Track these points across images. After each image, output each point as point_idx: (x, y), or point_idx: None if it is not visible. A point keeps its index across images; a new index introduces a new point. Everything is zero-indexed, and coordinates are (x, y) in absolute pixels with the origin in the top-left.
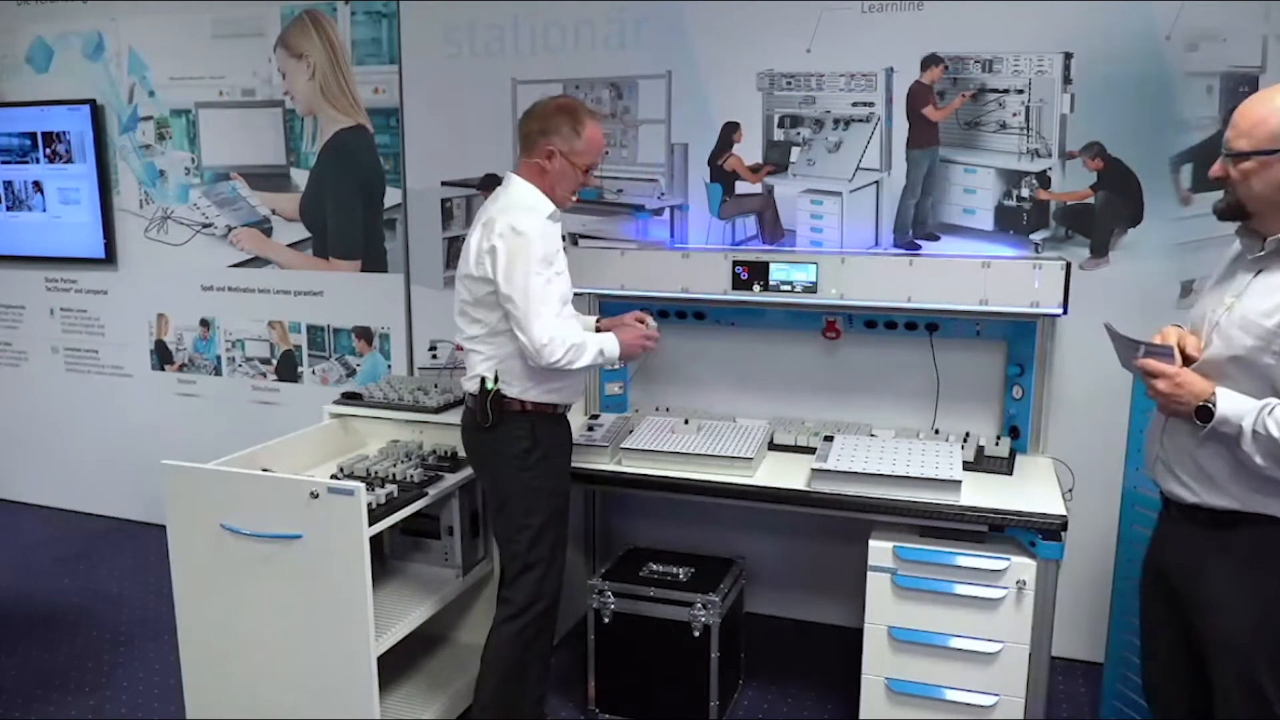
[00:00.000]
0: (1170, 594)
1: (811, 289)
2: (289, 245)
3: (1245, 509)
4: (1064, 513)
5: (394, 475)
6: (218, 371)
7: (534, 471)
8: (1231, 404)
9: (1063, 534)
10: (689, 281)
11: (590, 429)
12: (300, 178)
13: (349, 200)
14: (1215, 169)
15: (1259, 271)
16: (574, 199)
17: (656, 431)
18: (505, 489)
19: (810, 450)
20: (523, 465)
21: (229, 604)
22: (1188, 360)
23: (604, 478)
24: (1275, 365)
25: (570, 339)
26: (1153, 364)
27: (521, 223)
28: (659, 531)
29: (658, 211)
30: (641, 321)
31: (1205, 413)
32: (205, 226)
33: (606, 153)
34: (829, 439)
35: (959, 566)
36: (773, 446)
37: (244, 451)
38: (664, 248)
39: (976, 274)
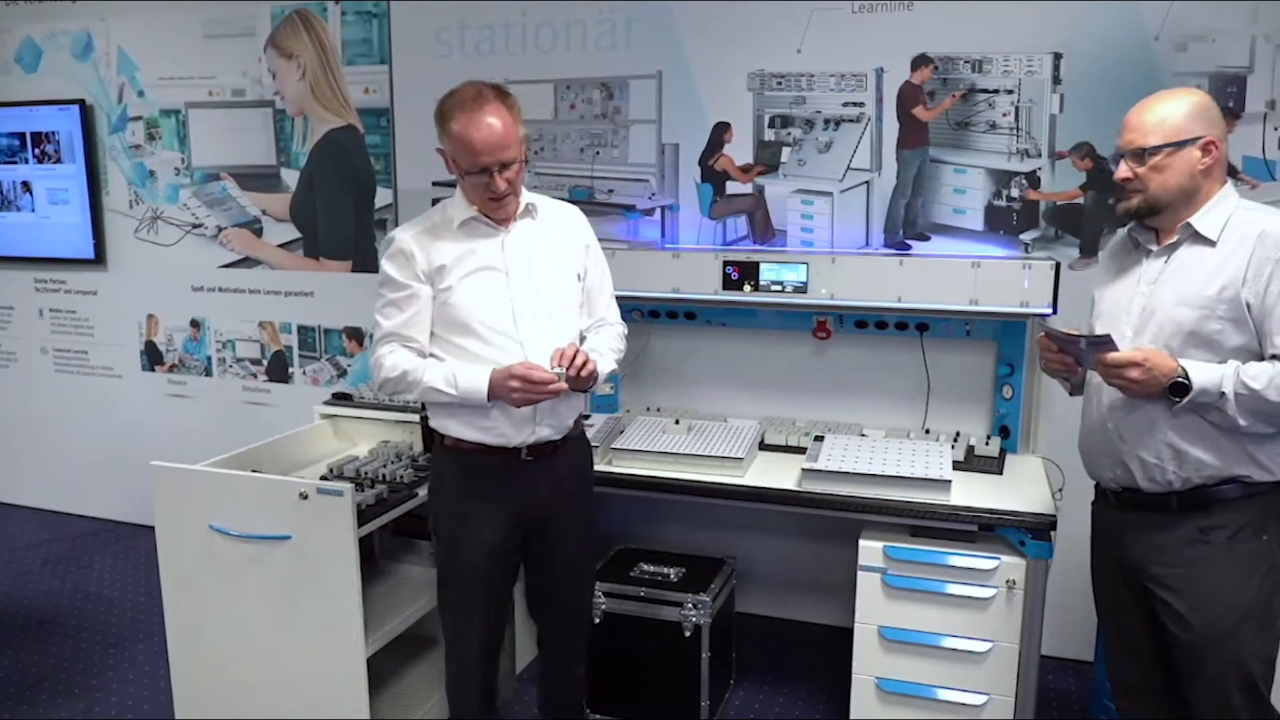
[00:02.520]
0: (1138, 588)
1: (802, 289)
2: (279, 245)
3: (1226, 475)
4: (1053, 512)
5: (384, 476)
6: (208, 372)
7: (435, 512)
8: (1203, 373)
9: (1052, 533)
10: (680, 282)
11: None
12: (290, 178)
13: (340, 200)
14: (1121, 172)
15: (1168, 258)
16: (493, 206)
17: (647, 432)
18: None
19: (801, 450)
20: (431, 497)
21: (218, 605)
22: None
23: (596, 478)
24: (1222, 329)
25: (389, 370)
26: (1120, 356)
27: (390, 237)
28: (650, 532)
29: (649, 212)
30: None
31: (1180, 388)
32: (195, 227)
33: (522, 160)
34: (819, 439)
35: (949, 566)
36: (763, 446)
37: (233, 452)
38: (655, 248)
39: (966, 274)
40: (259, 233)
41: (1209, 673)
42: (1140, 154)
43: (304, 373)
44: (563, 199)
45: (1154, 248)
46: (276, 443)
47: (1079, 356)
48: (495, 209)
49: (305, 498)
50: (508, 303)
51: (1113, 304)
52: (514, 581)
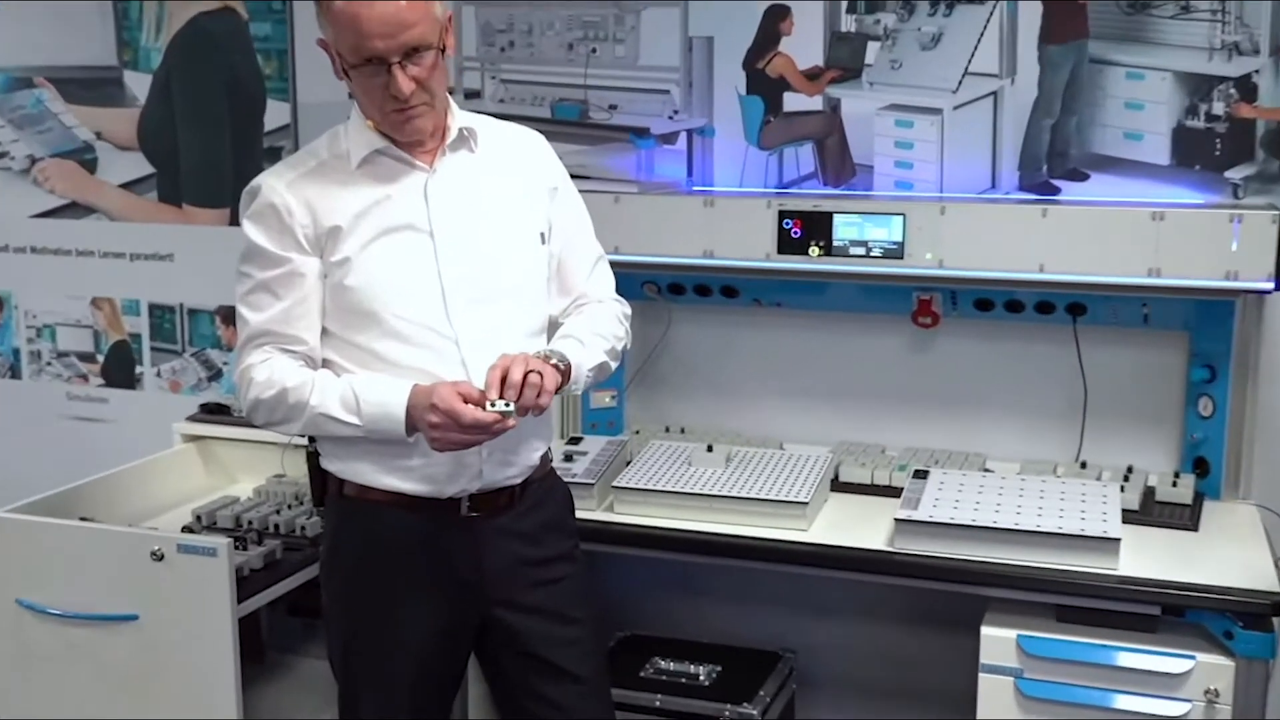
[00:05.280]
0: None
1: (896, 253)
2: (122, 186)
3: None
4: (1278, 588)
5: (277, 527)
6: (15, 372)
7: (329, 589)
8: None
9: (1276, 620)
10: (714, 241)
11: (569, 459)
12: (139, 85)
13: (211, 119)
14: None
15: None
16: (398, 120)
17: (666, 463)
18: None
19: (894, 492)
20: (324, 574)
21: (28, 715)
22: None
23: (589, 530)
24: None
25: (261, 387)
26: None
27: (254, 186)
28: (668, 611)
29: (669, 138)
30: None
31: None
32: None
33: (440, 50)
34: (921, 475)
35: (1118, 668)
36: (837, 486)
37: (54, 491)
38: (678, 191)
39: (1144, 230)
40: (91, 166)
41: None
42: None
43: (158, 373)
44: (540, 121)
45: None
46: (118, 476)
47: None
48: (401, 124)
49: (160, 558)
50: (434, 280)
51: None
52: (456, 690)
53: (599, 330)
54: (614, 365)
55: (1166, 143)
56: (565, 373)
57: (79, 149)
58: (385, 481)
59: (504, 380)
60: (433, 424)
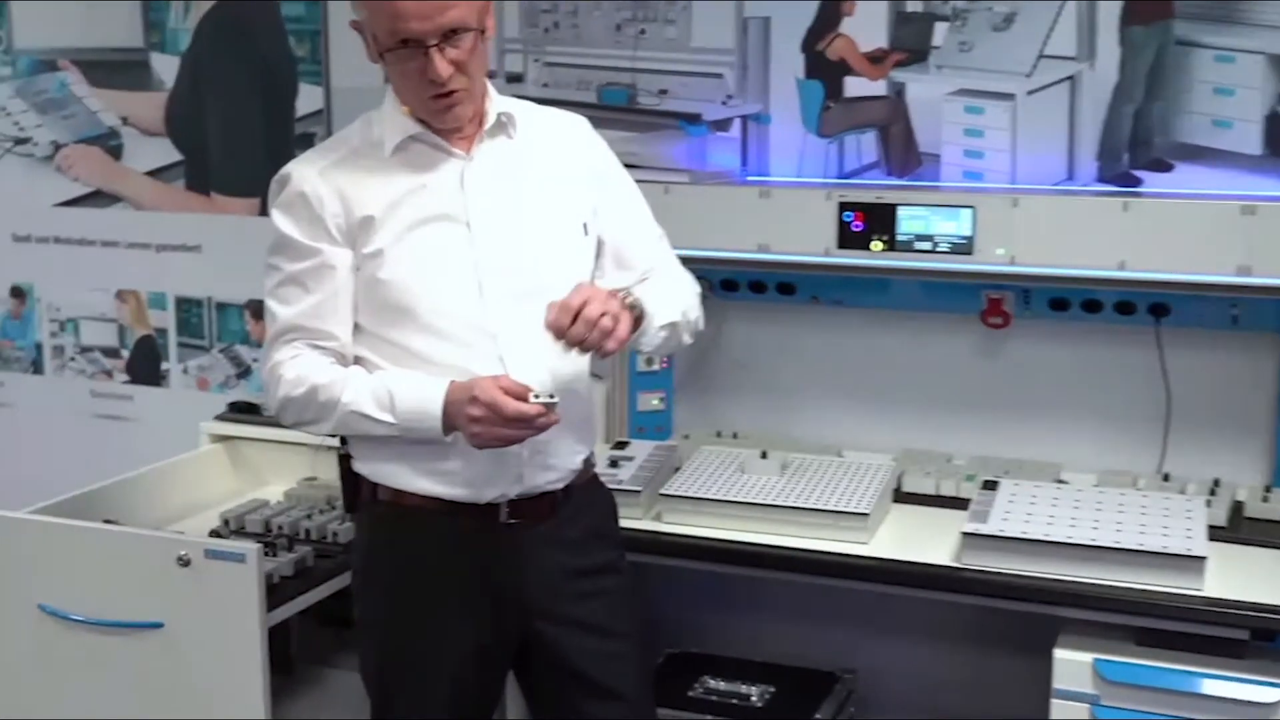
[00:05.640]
0: None
1: (964, 248)
2: (148, 173)
3: None
4: None
5: (308, 532)
6: (37, 367)
7: (362, 600)
8: None
9: None
10: (770, 234)
11: (614, 465)
12: (167, 68)
13: (241, 104)
14: None
15: None
16: (438, 108)
17: (717, 470)
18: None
19: (961, 504)
20: (357, 585)
21: None
22: None
23: (635, 541)
24: None
25: (290, 384)
26: None
27: (283, 174)
28: (718, 628)
29: (722, 124)
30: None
31: None
32: (19, 143)
33: (481, 32)
34: (991, 486)
35: (1202, 696)
36: (900, 496)
37: (76, 492)
38: (732, 181)
39: (1234, 225)
40: (116, 153)
41: None
42: None
43: (185, 370)
44: (586, 107)
45: None
46: (143, 478)
47: None
48: (440, 112)
49: (186, 564)
50: (471, 273)
51: None
52: (494, 709)
53: (674, 292)
54: (685, 339)
55: (1259, 131)
56: (638, 321)
57: (104, 135)
58: (421, 485)
59: (578, 313)
60: (473, 417)
